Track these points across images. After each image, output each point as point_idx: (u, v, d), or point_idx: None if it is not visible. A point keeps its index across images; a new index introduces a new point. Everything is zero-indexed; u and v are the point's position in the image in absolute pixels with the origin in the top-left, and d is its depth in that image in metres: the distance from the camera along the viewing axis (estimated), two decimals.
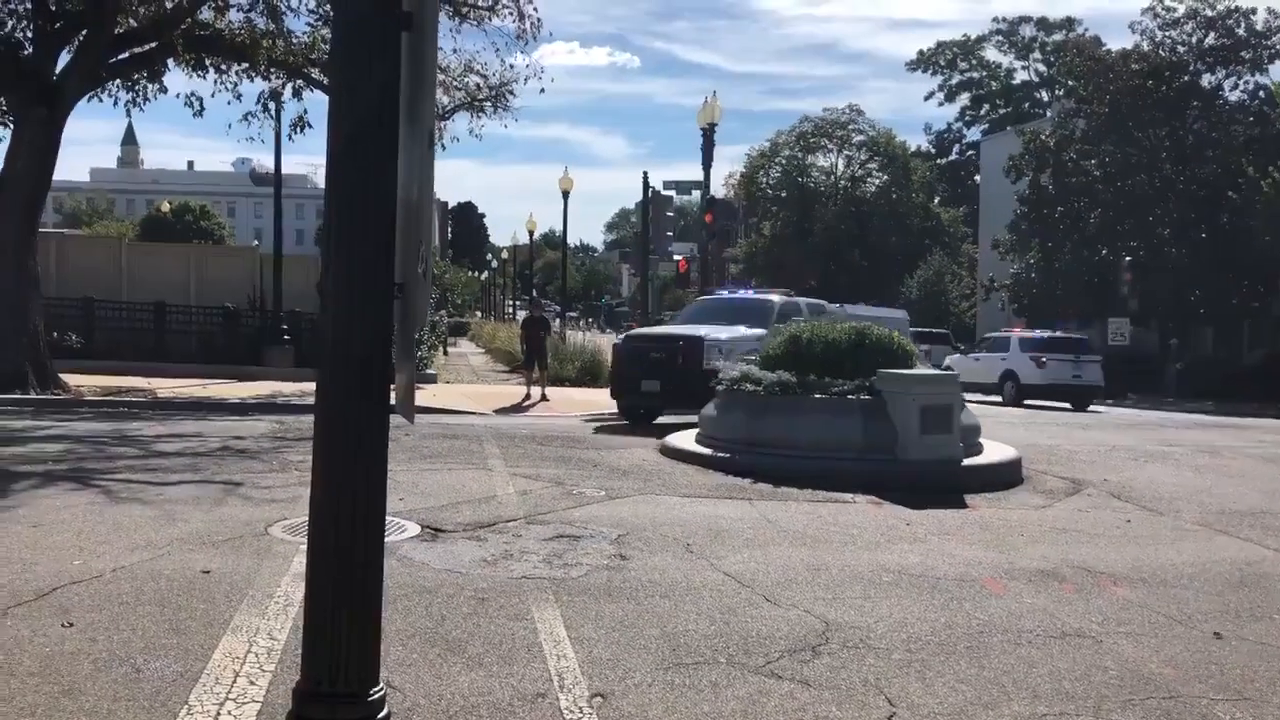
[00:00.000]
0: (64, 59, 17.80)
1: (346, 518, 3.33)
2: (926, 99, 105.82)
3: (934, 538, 8.19)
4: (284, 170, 26.41)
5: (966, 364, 28.11)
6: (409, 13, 3.31)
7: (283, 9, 18.78)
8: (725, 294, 23.10)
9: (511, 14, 20.32)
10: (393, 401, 3.65)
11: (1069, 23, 75.80)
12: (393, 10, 3.26)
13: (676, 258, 38.71)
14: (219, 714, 4.09)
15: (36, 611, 5.29)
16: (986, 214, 54.17)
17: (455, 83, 21.56)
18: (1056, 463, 13.13)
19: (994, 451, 12.24)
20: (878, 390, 11.40)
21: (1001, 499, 10.34)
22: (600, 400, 19.50)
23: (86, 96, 18.25)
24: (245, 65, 18.98)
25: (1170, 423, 21.80)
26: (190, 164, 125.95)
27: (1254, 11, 36.33)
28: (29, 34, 17.83)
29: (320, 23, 19.38)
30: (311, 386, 17.44)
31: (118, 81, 18.83)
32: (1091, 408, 26.99)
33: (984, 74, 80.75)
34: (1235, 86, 37.14)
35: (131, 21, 17.90)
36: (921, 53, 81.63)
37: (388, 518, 3.75)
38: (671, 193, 39.66)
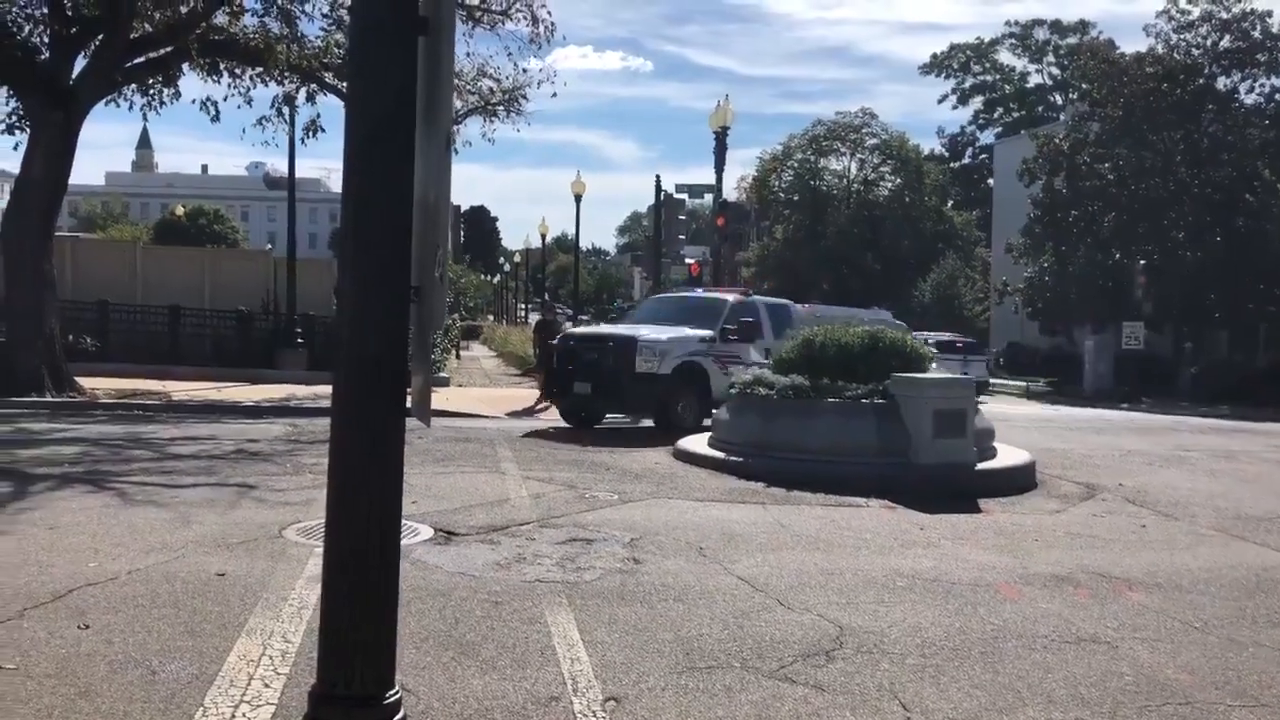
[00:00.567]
0: (80, 64, 17.91)
1: (362, 520, 3.34)
2: (939, 102, 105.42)
3: (948, 542, 8.17)
4: (297, 174, 26.50)
5: None
6: (425, 17, 3.32)
7: (296, 13, 18.87)
8: (681, 293, 22.34)
9: (525, 18, 20.40)
10: (408, 404, 3.65)
11: (1083, 26, 75.57)
12: (409, 15, 3.27)
13: (689, 261, 38.62)
14: (234, 716, 4.10)
15: (53, 613, 5.31)
16: (1000, 218, 53.99)
17: (468, 87, 21.62)
18: (1070, 467, 13.08)
19: (1008, 456, 12.19)
20: (891, 394, 11.38)
21: (1015, 503, 10.30)
22: None
23: (102, 101, 18.34)
24: (259, 70, 19.05)
25: (1185, 427, 21.68)
26: (204, 168, 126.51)
27: (1270, 14, 36.11)
28: (45, 39, 17.93)
29: (334, 27, 19.47)
30: (325, 390, 17.47)
31: (133, 86, 18.92)
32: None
33: (997, 77, 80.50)
34: (1251, 89, 36.91)
35: (146, 26, 17.98)
36: (934, 56, 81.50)
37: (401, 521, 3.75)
38: (684, 196, 39.61)
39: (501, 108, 22.24)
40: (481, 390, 24.28)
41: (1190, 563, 7.76)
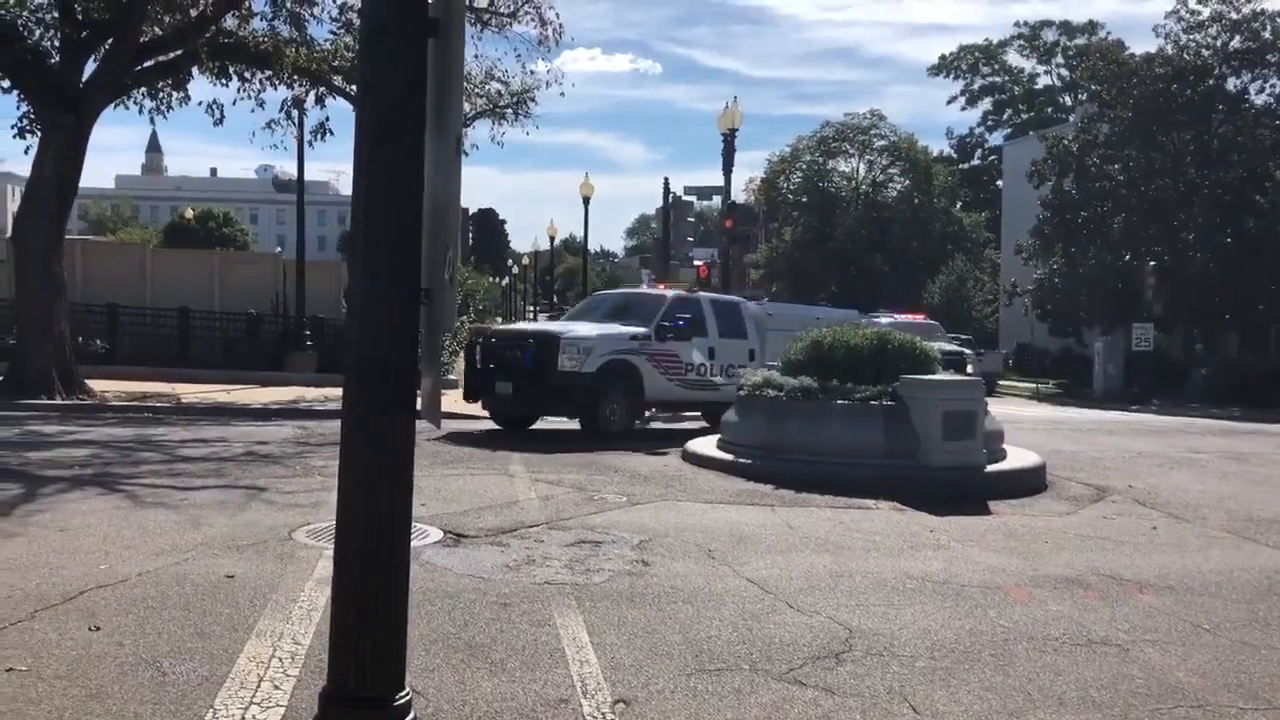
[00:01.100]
0: (90, 67, 17.99)
1: (372, 522, 3.34)
2: (948, 104, 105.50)
3: (957, 544, 8.15)
4: (306, 177, 26.57)
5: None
6: (435, 19, 3.32)
7: (306, 17, 18.94)
8: (623, 289, 21.97)
9: (533, 20, 20.48)
10: (418, 407, 3.65)
11: (1091, 26, 75.33)
12: (418, 17, 3.28)
13: (697, 263, 38.66)
14: (244, 718, 4.11)
15: (64, 615, 5.33)
16: (1009, 219, 53.92)
17: (477, 89, 21.69)
18: (1080, 469, 13.04)
19: (1017, 457, 12.16)
20: (900, 396, 11.35)
21: (1025, 505, 10.27)
22: None
23: (112, 104, 18.42)
24: (268, 73, 19.12)
25: (1195, 428, 21.61)
26: (213, 171, 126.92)
27: None
28: (56, 43, 18.04)
29: (343, 30, 19.54)
30: (334, 391, 17.48)
31: (142, 89, 19.00)
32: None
33: (1006, 78, 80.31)
34: (1261, 90, 36.76)
35: (156, 30, 18.06)
36: (943, 57, 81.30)
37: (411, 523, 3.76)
38: (692, 198, 39.70)
39: (510, 110, 22.32)
40: None
41: (1201, 565, 7.73)
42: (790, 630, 5.60)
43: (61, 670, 4.55)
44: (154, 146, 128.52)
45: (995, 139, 77.82)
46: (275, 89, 19.72)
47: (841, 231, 59.49)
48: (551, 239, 64.37)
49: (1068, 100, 74.30)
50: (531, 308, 78.54)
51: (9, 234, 19.15)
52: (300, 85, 19.78)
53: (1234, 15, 36.02)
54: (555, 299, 53.75)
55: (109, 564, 6.37)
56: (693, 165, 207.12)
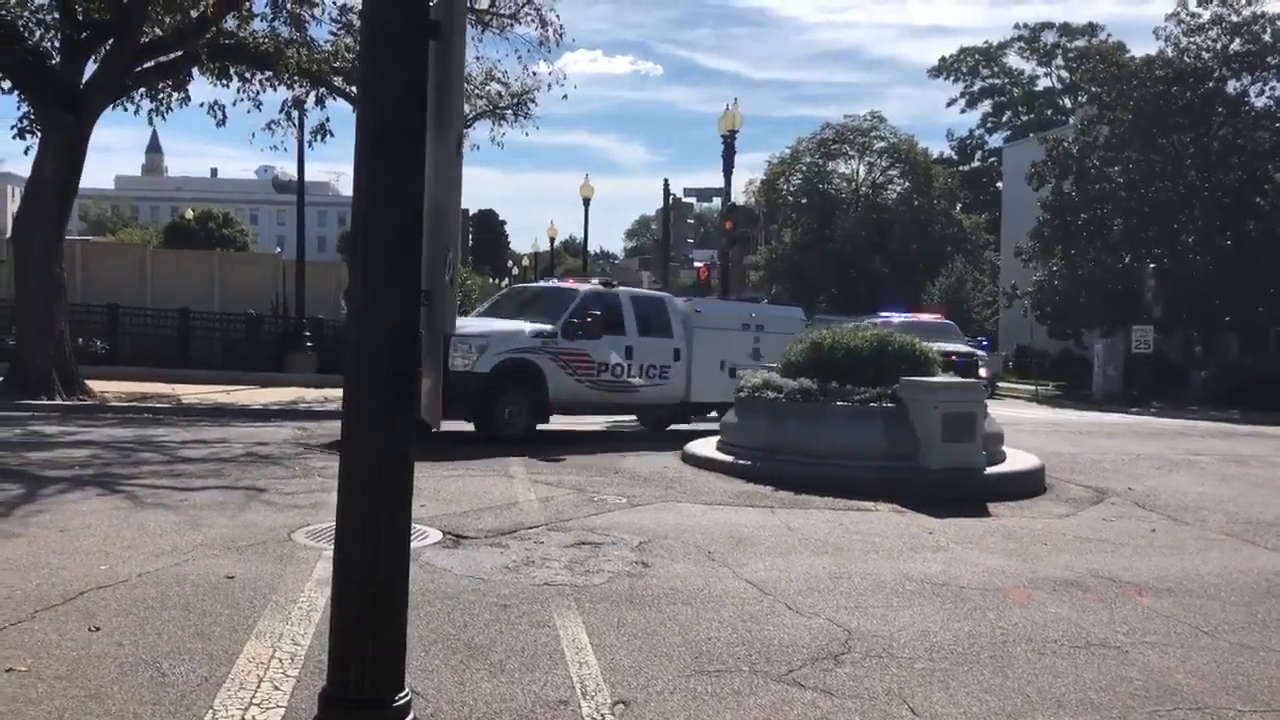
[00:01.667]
0: (90, 68, 18.00)
1: (372, 523, 3.35)
2: (948, 105, 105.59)
3: (957, 546, 8.15)
4: (306, 178, 26.60)
5: None
6: (436, 21, 3.33)
7: (306, 18, 18.94)
8: (539, 284, 20.79)
9: (534, 22, 20.49)
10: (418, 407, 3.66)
11: (1091, 29, 75.30)
12: (420, 18, 3.28)
13: (697, 265, 38.67)
14: (243, 718, 4.11)
15: (64, 615, 5.33)
16: (1009, 221, 53.90)
17: (477, 91, 21.69)
18: (1080, 471, 13.04)
19: (1017, 459, 12.16)
20: (900, 397, 11.36)
21: (1025, 507, 10.27)
22: None
23: (112, 105, 18.43)
24: (269, 74, 19.13)
25: (1195, 431, 21.62)
26: (214, 171, 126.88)
27: None
28: (56, 43, 18.05)
29: (343, 31, 19.55)
30: (334, 392, 17.38)
31: (143, 90, 19.02)
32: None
33: (1006, 80, 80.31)
34: (1261, 93, 36.71)
35: (157, 31, 18.07)
36: (943, 59, 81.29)
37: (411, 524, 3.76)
38: (692, 200, 39.70)
39: (510, 111, 22.32)
40: None
41: (1200, 567, 7.74)
42: (789, 632, 5.60)
43: (61, 671, 4.56)
44: (154, 147, 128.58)
45: (995, 141, 77.83)
46: (275, 90, 19.75)
47: (841, 233, 59.50)
48: (551, 240, 64.42)
49: (1068, 102, 74.28)
50: None
51: (9, 234, 19.17)
52: (300, 86, 19.79)
53: (1234, 18, 36.02)
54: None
55: (109, 565, 6.38)
56: (693, 167, 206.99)
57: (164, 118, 19.79)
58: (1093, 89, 42.34)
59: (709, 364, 16.25)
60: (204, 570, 6.33)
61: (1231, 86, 36.67)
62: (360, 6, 4.22)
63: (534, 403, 14.24)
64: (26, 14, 17.91)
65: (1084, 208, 37.59)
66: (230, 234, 60.93)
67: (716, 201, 33.08)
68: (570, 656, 5.01)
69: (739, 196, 54.58)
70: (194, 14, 17.17)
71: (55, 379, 16.82)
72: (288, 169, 36.55)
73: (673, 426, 16.93)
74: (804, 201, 63.04)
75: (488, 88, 22.00)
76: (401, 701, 3.41)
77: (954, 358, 24.35)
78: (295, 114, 20.94)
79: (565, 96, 32.81)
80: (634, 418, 17.48)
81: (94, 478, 9.74)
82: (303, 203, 26.71)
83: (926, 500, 9.89)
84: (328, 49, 19.47)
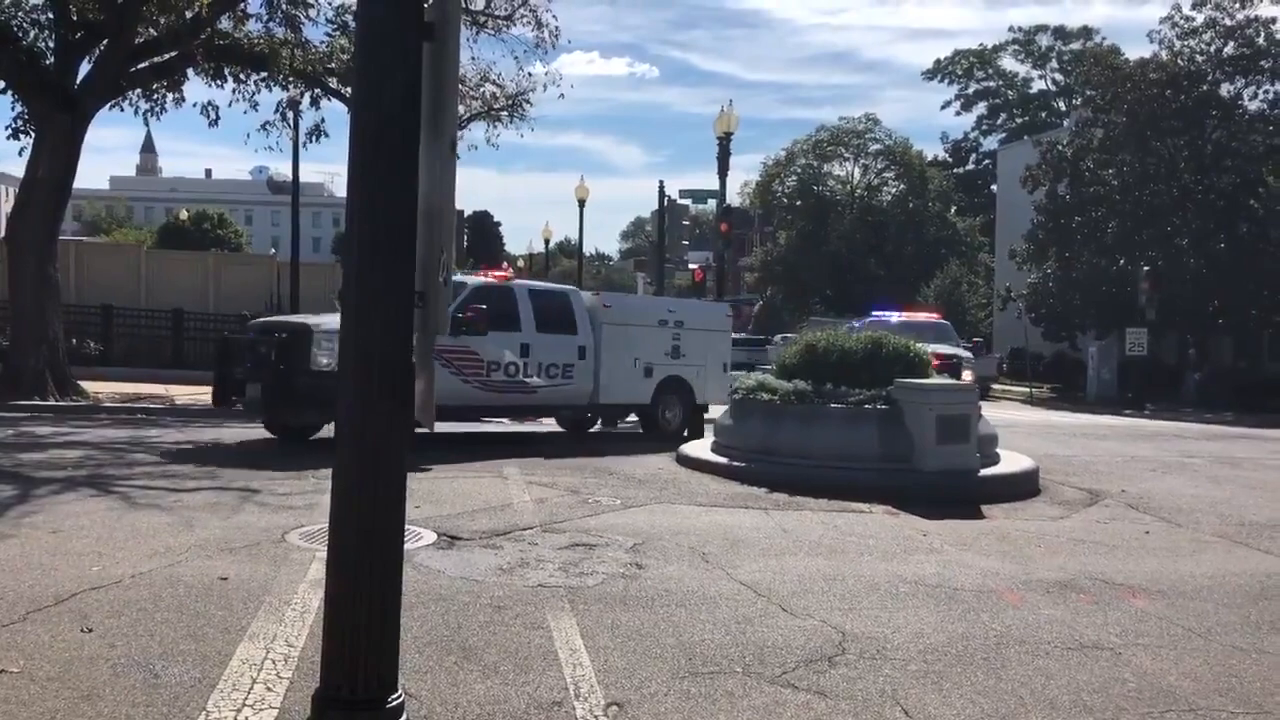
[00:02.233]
0: (85, 68, 17.98)
1: (366, 524, 3.34)
2: (943, 108, 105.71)
3: (951, 548, 8.16)
4: (301, 178, 26.59)
5: None
6: (430, 23, 3.33)
7: (301, 19, 18.95)
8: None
9: (530, 23, 20.48)
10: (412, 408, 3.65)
11: (1086, 32, 75.40)
12: (414, 20, 3.29)
13: (692, 266, 38.64)
14: None
15: (56, 617, 5.32)
16: (1003, 223, 53.96)
17: (472, 92, 21.68)
18: (1074, 473, 13.07)
19: (1011, 462, 12.19)
20: (894, 399, 11.37)
21: (1019, 509, 10.29)
22: None
23: (107, 105, 18.41)
24: (263, 74, 19.11)
25: (1188, 433, 21.67)
26: (208, 172, 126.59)
27: (1274, 21, 36.02)
28: (51, 43, 18.02)
29: (338, 32, 19.52)
30: None
31: (137, 90, 19.00)
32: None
33: (1001, 83, 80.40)
34: (1255, 96, 36.81)
35: (152, 31, 18.05)
36: (938, 62, 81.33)
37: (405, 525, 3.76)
38: (687, 201, 39.63)
39: (505, 113, 22.32)
40: None
41: (1194, 569, 7.75)
42: (783, 633, 5.61)
43: (54, 672, 4.54)
44: (149, 147, 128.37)
45: (990, 143, 77.89)
46: (270, 90, 19.75)
47: (836, 235, 59.53)
48: (546, 241, 64.33)
49: (1062, 105, 74.37)
50: None
51: (3, 235, 19.14)
52: (295, 87, 19.79)
53: (1228, 21, 36.14)
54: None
55: (102, 566, 6.36)
56: (689, 168, 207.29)
57: (159, 118, 19.80)
58: (1087, 92, 42.45)
59: (621, 363, 15.17)
60: (197, 571, 6.32)
61: (1225, 90, 36.78)
62: (355, 7, 4.23)
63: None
64: (21, 14, 17.91)
65: (1078, 210, 37.67)
66: (225, 235, 60.78)
67: (712, 203, 33.09)
68: (564, 658, 5.01)
69: (734, 198, 54.59)
70: (188, 14, 17.15)
71: (49, 380, 16.79)
72: (282, 170, 36.57)
73: (592, 429, 16.31)
74: (799, 203, 63.08)
75: (483, 89, 22.01)
76: (395, 703, 3.41)
77: (937, 360, 24.31)
78: (290, 115, 20.94)
79: (562, 96, 32.82)
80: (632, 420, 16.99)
81: (87, 479, 9.72)
82: (297, 203, 26.69)
83: (921, 502, 9.90)
84: (323, 50, 19.47)
